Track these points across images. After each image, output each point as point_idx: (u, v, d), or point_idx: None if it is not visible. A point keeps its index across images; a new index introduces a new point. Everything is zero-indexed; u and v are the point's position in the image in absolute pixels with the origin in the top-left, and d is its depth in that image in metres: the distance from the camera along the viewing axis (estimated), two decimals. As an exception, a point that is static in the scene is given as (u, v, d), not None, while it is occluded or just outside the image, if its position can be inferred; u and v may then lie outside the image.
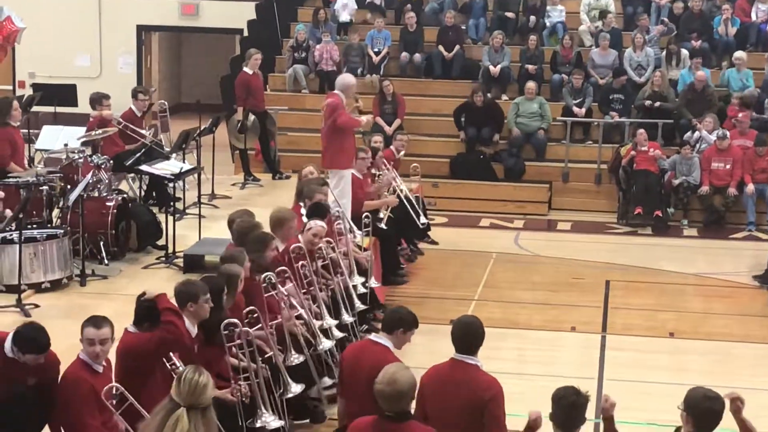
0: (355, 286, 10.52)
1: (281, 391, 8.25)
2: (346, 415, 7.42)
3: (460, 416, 6.60)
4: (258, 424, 7.77)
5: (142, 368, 7.16)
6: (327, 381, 9.28)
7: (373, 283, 11.51)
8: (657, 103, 18.35)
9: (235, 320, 7.85)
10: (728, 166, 17.20)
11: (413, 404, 6.20)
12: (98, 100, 14.71)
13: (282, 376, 8.31)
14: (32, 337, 7.00)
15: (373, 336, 7.35)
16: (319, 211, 10.77)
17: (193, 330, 7.64)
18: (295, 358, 8.64)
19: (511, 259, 15.19)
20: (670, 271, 14.76)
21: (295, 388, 8.37)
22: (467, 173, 18.37)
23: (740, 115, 17.81)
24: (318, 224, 10.24)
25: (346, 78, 13.79)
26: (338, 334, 9.54)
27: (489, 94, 19.02)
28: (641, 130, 17.54)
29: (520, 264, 15.00)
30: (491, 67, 19.60)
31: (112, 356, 7.25)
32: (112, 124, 14.43)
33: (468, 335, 6.83)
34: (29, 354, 6.96)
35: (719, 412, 6.07)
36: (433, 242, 15.32)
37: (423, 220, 14.54)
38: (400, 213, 13.84)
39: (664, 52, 19.57)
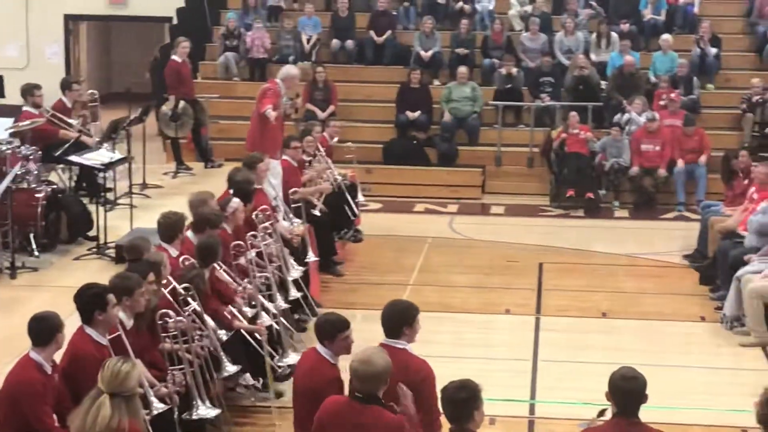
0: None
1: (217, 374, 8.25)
2: (295, 427, 7.19)
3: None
4: (194, 417, 7.74)
5: None
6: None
7: (311, 257, 11.57)
8: (580, 86, 18.52)
9: (169, 311, 7.83)
10: (658, 148, 17.39)
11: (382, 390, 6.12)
12: (29, 90, 14.50)
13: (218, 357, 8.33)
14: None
15: (317, 346, 7.24)
16: (242, 193, 10.74)
17: (129, 322, 7.59)
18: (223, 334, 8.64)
19: (446, 244, 15.25)
20: (602, 252, 14.90)
21: (231, 368, 8.36)
22: (401, 159, 18.39)
23: (672, 94, 18.02)
24: (235, 201, 10.30)
25: (289, 69, 13.78)
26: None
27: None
28: (573, 113, 17.65)
29: (454, 248, 15.06)
30: (422, 53, 19.64)
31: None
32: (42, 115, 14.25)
33: (394, 319, 6.84)
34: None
35: (638, 391, 6.13)
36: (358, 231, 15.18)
37: (360, 198, 14.48)
38: (334, 200, 13.82)
39: (594, 35, 19.75)
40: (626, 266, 14.33)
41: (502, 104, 18.67)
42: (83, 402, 5.88)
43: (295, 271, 10.77)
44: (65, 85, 15.25)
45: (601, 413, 6.29)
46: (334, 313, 7.29)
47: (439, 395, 6.17)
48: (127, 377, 5.84)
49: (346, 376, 6.76)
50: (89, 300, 7.12)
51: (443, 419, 6.23)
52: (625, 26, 19.90)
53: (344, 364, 6.90)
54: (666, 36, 19.34)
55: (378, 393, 6.06)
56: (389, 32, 20.19)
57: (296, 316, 10.91)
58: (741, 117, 18.37)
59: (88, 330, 7.09)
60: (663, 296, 12.94)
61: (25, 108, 14.39)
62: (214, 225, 9.62)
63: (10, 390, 6.72)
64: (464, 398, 5.98)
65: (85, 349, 7.00)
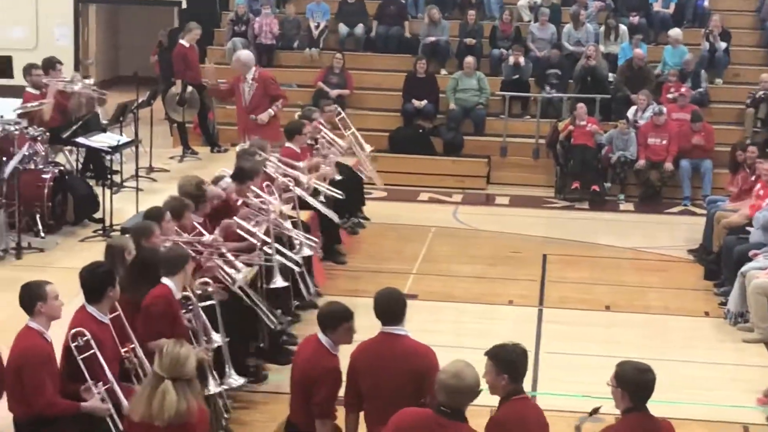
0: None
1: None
2: (290, 410, 7.20)
3: (400, 388, 6.55)
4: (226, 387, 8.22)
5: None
6: None
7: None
8: (588, 78, 18.48)
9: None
10: (664, 142, 17.37)
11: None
12: (28, 70, 14.46)
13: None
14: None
15: (318, 334, 7.20)
16: (241, 174, 10.84)
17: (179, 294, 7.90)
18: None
19: (450, 233, 15.26)
20: (606, 245, 14.90)
21: (217, 337, 8.37)
22: (406, 147, 18.39)
23: (683, 89, 18.00)
24: (227, 181, 10.62)
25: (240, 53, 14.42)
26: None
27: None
28: (580, 104, 17.65)
29: (458, 238, 15.07)
30: (430, 41, 19.61)
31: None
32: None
33: (392, 305, 6.83)
34: None
35: (653, 382, 6.14)
36: (365, 218, 15.29)
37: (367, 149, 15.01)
38: (339, 186, 13.78)
39: (602, 28, 19.72)
40: (630, 260, 14.33)
41: (509, 95, 18.65)
42: (142, 389, 5.96)
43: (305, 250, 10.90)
44: (48, 66, 14.97)
45: (595, 410, 6.28)
46: (337, 302, 7.26)
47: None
48: (186, 361, 5.97)
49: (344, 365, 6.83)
50: (101, 278, 7.30)
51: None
52: (634, 19, 19.87)
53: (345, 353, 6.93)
54: (675, 31, 19.28)
55: (464, 408, 5.93)
56: (401, 23, 20.17)
57: (296, 303, 10.99)
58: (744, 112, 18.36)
59: (90, 309, 7.22)
60: (667, 291, 12.95)
61: (27, 89, 14.35)
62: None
63: (15, 361, 6.88)
64: (526, 353, 6.23)
65: (87, 327, 7.08)
